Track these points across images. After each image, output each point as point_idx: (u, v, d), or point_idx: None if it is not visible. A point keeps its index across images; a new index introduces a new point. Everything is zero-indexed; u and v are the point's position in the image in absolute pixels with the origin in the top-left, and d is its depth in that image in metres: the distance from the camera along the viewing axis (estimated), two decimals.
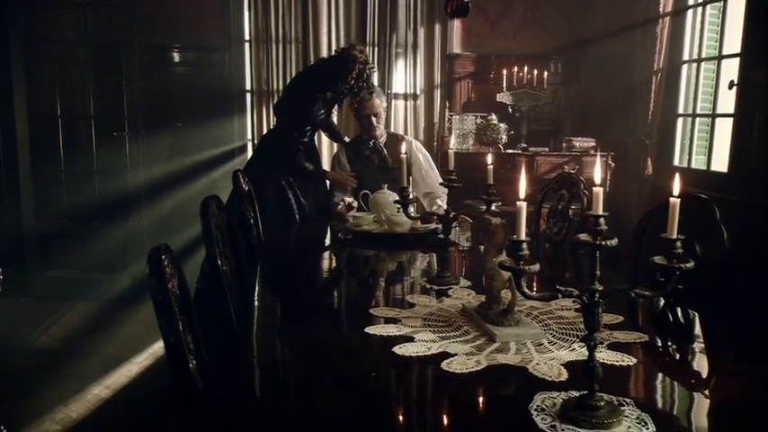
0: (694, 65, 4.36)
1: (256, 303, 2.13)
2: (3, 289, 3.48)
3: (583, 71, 5.13)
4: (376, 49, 4.90)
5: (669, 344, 1.88)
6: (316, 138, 4.29)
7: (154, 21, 4.69)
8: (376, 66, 3.90)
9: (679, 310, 2.05)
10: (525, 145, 4.79)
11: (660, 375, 1.60)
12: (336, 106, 3.85)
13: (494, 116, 4.81)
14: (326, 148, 4.95)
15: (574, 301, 1.64)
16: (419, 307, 2.00)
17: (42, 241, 4.80)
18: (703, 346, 1.86)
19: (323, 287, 2.53)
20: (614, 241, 1.23)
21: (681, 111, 4.49)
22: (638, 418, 1.29)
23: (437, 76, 5.01)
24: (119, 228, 4.74)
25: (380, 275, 2.66)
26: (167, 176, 4.74)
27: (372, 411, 1.43)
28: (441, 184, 2.41)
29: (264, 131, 4.89)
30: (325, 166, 4.22)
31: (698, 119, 4.35)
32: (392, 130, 4.29)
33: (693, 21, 4.37)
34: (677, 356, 1.80)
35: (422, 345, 1.68)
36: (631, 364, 1.57)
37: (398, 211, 3.04)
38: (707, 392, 1.55)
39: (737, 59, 3.82)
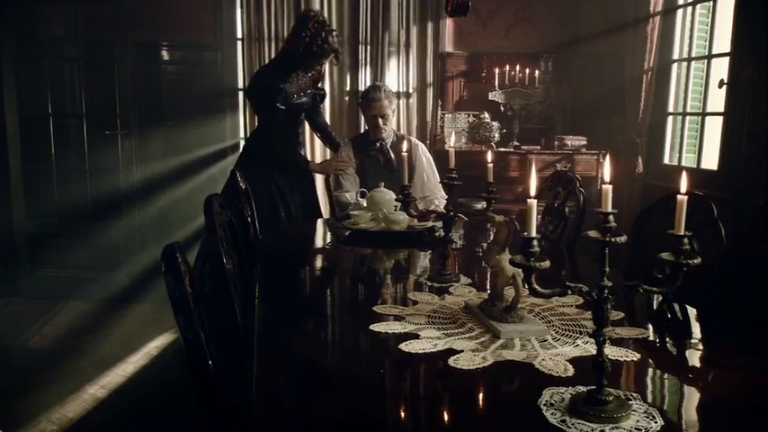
0: (684, 64, 4.41)
1: (258, 302, 2.14)
2: None
3: (574, 70, 5.17)
4: (368, 47, 4.91)
5: (669, 339, 1.91)
6: (308, 136, 4.31)
7: (145, 19, 4.67)
8: (336, 30, 3.89)
9: (677, 306, 2.08)
10: (517, 143, 4.82)
11: (662, 370, 1.63)
12: (317, 98, 3.89)
13: (486, 115, 4.84)
14: (319, 146, 4.96)
15: (586, 296, 1.66)
16: (422, 304, 2.02)
17: (33, 241, 4.76)
18: (703, 341, 1.89)
19: (325, 285, 2.54)
20: (623, 238, 1.25)
21: (671, 109, 4.54)
22: (645, 412, 1.31)
23: (429, 74, 5.03)
24: (111, 227, 4.72)
25: (381, 273, 2.67)
26: (160, 175, 4.72)
27: (381, 408, 1.44)
28: (441, 182, 2.43)
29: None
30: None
31: (688, 117, 4.41)
32: (400, 132, 4.27)
33: (683, 20, 4.42)
34: (678, 352, 1.82)
35: (427, 342, 1.69)
36: (635, 359, 1.60)
37: (396, 209, 3.06)
38: (707, 386, 1.58)
39: (727, 58, 3.87)
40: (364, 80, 4.92)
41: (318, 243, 3.38)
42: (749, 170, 3.60)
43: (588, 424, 1.26)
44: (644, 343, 1.73)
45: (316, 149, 4.92)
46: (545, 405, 1.34)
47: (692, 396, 1.52)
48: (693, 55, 4.33)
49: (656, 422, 1.28)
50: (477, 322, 1.84)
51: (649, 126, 4.50)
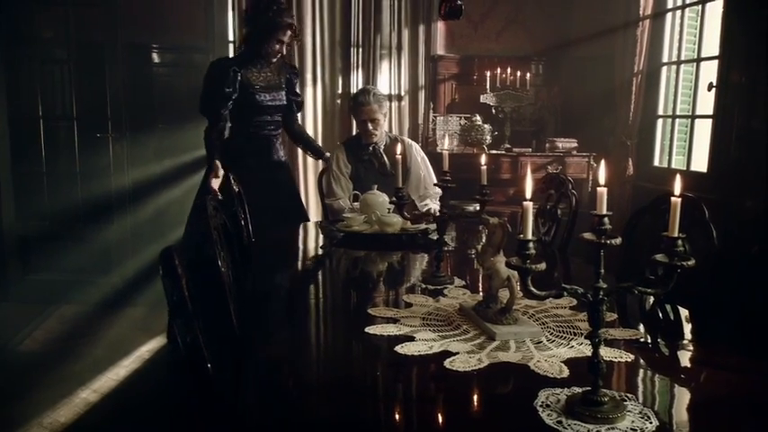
0: (674, 67, 4.46)
1: (253, 305, 2.14)
2: None
3: (564, 73, 5.20)
4: (360, 50, 4.93)
5: (662, 340, 1.92)
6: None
7: (136, 20, 4.65)
8: (285, 5, 3.71)
9: (669, 307, 2.10)
10: (509, 146, 4.85)
11: (656, 371, 1.64)
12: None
13: (478, 117, 4.86)
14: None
15: (581, 298, 1.67)
16: (417, 307, 2.02)
17: (24, 244, 4.73)
18: (694, 341, 1.91)
19: (319, 288, 2.54)
20: (618, 240, 1.26)
21: (661, 112, 4.58)
22: (641, 412, 1.33)
23: (421, 77, 5.05)
24: (102, 230, 4.69)
25: (374, 276, 2.67)
26: (152, 178, 4.70)
27: (378, 411, 1.45)
28: (435, 184, 2.43)
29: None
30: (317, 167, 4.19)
31: (677, 120, 4.45)
32: (393, 133, 4.22)
33: (673, 24, 4.47)
34: (670, 352, 1.84)
35: (423, 344, 1.70)
36: (629, 360, 1.61)
37: (389, 212, 3.07)
38: (701, 387, 1.59)
39: (716, 62, 3.91)
40: (356, 83, 4.93)
41: (312, 246, 3.37)
42: (738, 172, 3.64)
43: (584, 425, 1.27)
44: (637, 344, 1.75)
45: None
46: (541, 406, 1.35)
47: (686, 396, 1.54)
48: (683, 58, 4.37)
49: (651, 422, 1.29)
50: (472, 324, 1.84)
51: (639, 128, 4.54)
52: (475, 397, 1.50)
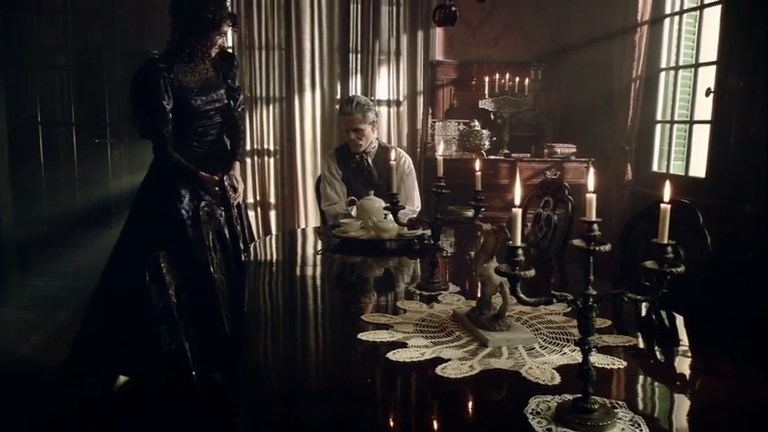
0: (672, 72, 4.45)
1: (247, 310, 2.13)
2: None
3: (563, 78, 5.20)
4: (359, 55, 4.93)
5: (656, 347, 1.92)
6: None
7: (135, 26, 4.65)
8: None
9: (664, 313, 2.09)
10: (507, 151, 4.85)
11: (650, 378, 1.64)
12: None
13: (476, 122, 4.86)
14: (309, 154, 4.97)
15: (568, 305, 1.67)
16: (410, 313, 2.02)
17: (22, 249, 4.73)
18: (690, 348, 1.90)
19: (314, 294, 2.53)
20: (607, 247, 1.26)
21: (659, 117, 4.58)
22: (631, 420, 1.32)
23: (420, 82, 5.05)
24: (100, 236, 4.66)
25: (370, 282, 2.67)
26: None
27: (369, 417, 1.44)
28: (430, 190, 2.42)
29: (247, 138, 4.88)
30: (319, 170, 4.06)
31: (676, 125, 4.44)
32: (384, 141, 4.17)
33: (671, 29, 4.47)
34: (664, 359, 1.83)
35: (415, 350, 1.69)
36: (622, 367, 1.60)
37: (385, 218, 3.06)
38: (695, 394, 1.58)
39: (714, 67, 3.91)
40: (354, 88, 4.94)
41: (308, 251, 3.37)
42: (736, 177, 3.63)
43: None
44: (631, 350, 1.74)
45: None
46: (531, 413, 1.34)
47: (679, 403, 1.53)
48: (681, 63, 4.37)
49: (641, 430, 1.28)
50: (465, 331, 1.84)
51: (638, 134, 4.53)
52: (465, 404, 1.49)
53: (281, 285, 2.58)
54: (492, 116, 4.94)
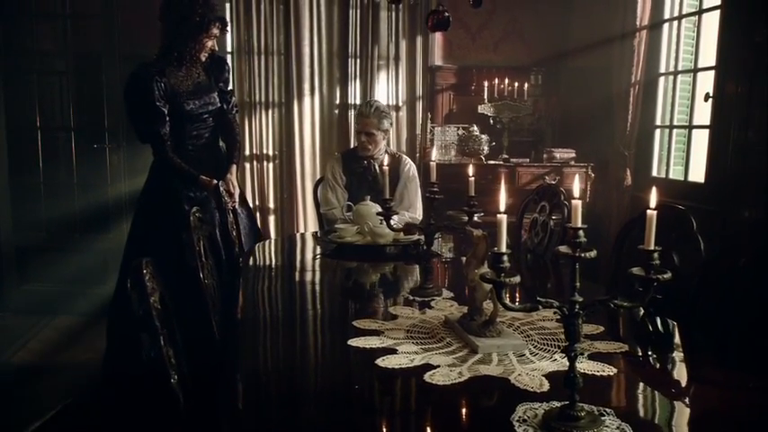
0: (671, 77, 4.44)
1: (239, 316, 2.13)
2: None
3: (562, 83, 5.19)
4: (358, 60, 4.93)
5: (649, 353, 1.90)
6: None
7: (133, 31, 4.65)
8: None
9: (658, 319, 2.08)
10: (506, 156, 4.83)
11: (640, 385, 1.62)
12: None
13: (475, 127, 4.85)
14: (309, 159, 4.97)
15: (555, 312, 1.65)
16: (402, 319, 2.01)
17: (21, 254, 4.73)
18: (682, 355, 1.88)
19: (307, 299, 2.53)
20: (593, 253, 1.25)
21: (658, 122, 4.56)
22: (618, 427, 1.31)
23: (419, 87, 5.04)
24: (99, 240, 4.68)
25: (363, 287, 2.66)
26: None
27: (355, 424, 1.43)
28: (424, 196, 2.42)
29: (246, 143, 4.89)
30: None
31: (675, 130, 4.43)
32: (392, 149, 4.06)
33: (669, 34, 4.46)
34: (657, 366, 1.82)
35: (404, 357, 1.68)
36: (612, 374, 1.59)
37: (381, 223, 3.05)
38: (686, 401, 1.57)
39: (712, 72, 3.90)
40: (354, 93, 4.94)
41: (304, 257, 3.36)
42: (735, 182, 3.61)
43: None
44: (623, 357, 1.72)
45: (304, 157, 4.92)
46: (518, 421, 1.33)
47: (668, 411, 1.52)
48: (680, 68, 4.35)
49: None
50: (455, 337, 1.83)
51: (637, 139, 4.52)
52: (452, 411, 1.48)
53: (273, 291, 2.57)
54: (491, 121, 4.93)
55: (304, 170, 4.97)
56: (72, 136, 4.73)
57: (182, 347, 1.43)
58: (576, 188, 1.26)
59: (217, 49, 3.38)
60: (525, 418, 1.34)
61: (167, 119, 3.11)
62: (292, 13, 4.80)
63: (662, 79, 4.51)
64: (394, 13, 4.92)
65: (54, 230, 4.72)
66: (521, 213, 3.30)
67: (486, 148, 4.80)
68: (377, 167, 3.64)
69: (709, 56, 4.02)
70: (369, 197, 3.26)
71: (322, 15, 4.89)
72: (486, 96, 4.85)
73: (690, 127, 4.25)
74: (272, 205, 5.04)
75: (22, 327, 4.33)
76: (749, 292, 2.16)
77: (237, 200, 3.24)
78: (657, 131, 4.57)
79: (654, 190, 1.26)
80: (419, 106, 5.05)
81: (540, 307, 1.29)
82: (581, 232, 1.24)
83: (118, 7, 4.56)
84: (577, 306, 1.26)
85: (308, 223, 4.99)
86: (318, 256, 3.19)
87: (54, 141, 4.75)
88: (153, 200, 3.26)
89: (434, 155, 2.45)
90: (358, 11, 4.89)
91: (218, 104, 3.31)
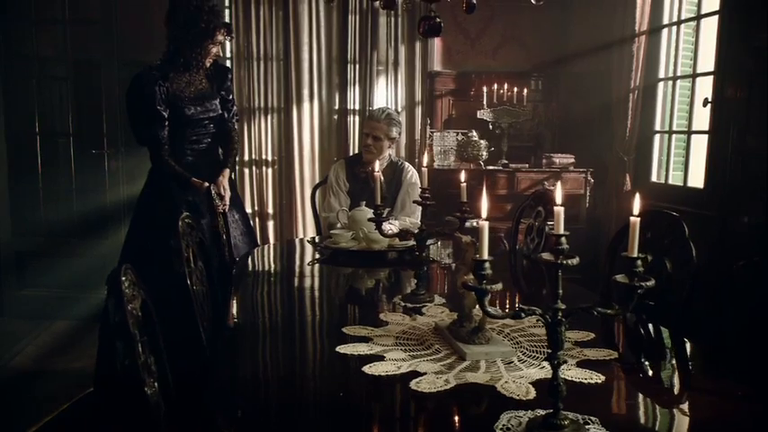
0: (670, 82, 4.43)
1: (228, 322, 2.12)
2: None
3: (562, 88, 5.18)
4: (357, 66, 4.94)
5: (639, 360, 1.89)
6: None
7: (133, 38, 4.67)
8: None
9: (650, 326, 2.06)
10: (506, 161, 4.83)
11: (628, 392, 1.61)
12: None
13: (474, 133, 4.84)
14: (308, 164, 4.97)
15: (540, 319, 1.64)
16: (392, 325, 2.00)
17: (20, 259, 4.74)
18: (674, 362, 1.87)
19: (298, 305, 2.52)
20: (575, 260, 1.24)
21: (657, 127, 4.55)
22: None
23: (418, 93, 5.04)
24: (97, 246, 4.68)
25: (356, 293, 2.65)
26: None
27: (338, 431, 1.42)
28: (414, 202, 2.41)
29: (245, 148, 4.89)
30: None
31: (674, 135, 4.42)
32: (396, 158, 3.97)
33: (668, 39, 4.45)
34: (647, 373, 1.80)
35: (392, 364, 1.67)
36: (600, 381, 1.58)
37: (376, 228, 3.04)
38: (674, 409, 1.55)
39: (711, 77, 3.88)
40: (353, 99, 4.95)
41: (298, 262, 3.35)
42: (734, 188, 3.60)
43: None
44: (612, 364, 1.71)
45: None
46: (501, 429, 1.32)
47: (655, 419, 1.50)
48: (679, 74, 4.34)
49: None
50: (444, 344, 1.82)
51: (636, 144, 4.50)
52: (436, 419, 1.47)
53: (264, 297, 2.56)
54: (490, 126, 4.93)
55: (303, 176, 4.97)
56: (71, 141, 4.74)
57: (165, 355, 1.42)
58: (558, 196, 1.25)
59: (221, 55, 3.43)
60: (509, 426, 1.33)
61: (166, 123, 3.15)
62: (291, 18, 4.82)
63: (661, 84, 4.49)
64: (393, 19, 4.92)
65: (53, 235, 4.72)
66: (517, 219, 3.29)
67: (485, 153, 4.79)
68: (380, 175, 3.61)
69: (708, 61, 4.01)
70: (364, 203, 3.25)
71: (321, 21, 4.90)
72: (485, 102, 4.85)
73: (689, 132, 4.24)
74: (270, 210, 5.04)
75: (20, 331, 4.33)
76: (745, 298, 2.15)
77: (228, 203, 3.24)
78: (657, 137, 4.56)
79: (637, 196, 1.25)
80: (418, 112, 5.05)
81: (523, 315, 1.28)
82: (563, 239, 1.23)
83: (117, 14, 4.57)
84: (560, 314, 1.25)
85: (307, 229, 4.99)
86: (313, 263, 3.17)
87: (53, 147, 4.76)
88: (150, 205, 3.27)
89: (426, 161, 2.44)
90: (357, 16, 4.90)
91: (220, 111, 3.34)
